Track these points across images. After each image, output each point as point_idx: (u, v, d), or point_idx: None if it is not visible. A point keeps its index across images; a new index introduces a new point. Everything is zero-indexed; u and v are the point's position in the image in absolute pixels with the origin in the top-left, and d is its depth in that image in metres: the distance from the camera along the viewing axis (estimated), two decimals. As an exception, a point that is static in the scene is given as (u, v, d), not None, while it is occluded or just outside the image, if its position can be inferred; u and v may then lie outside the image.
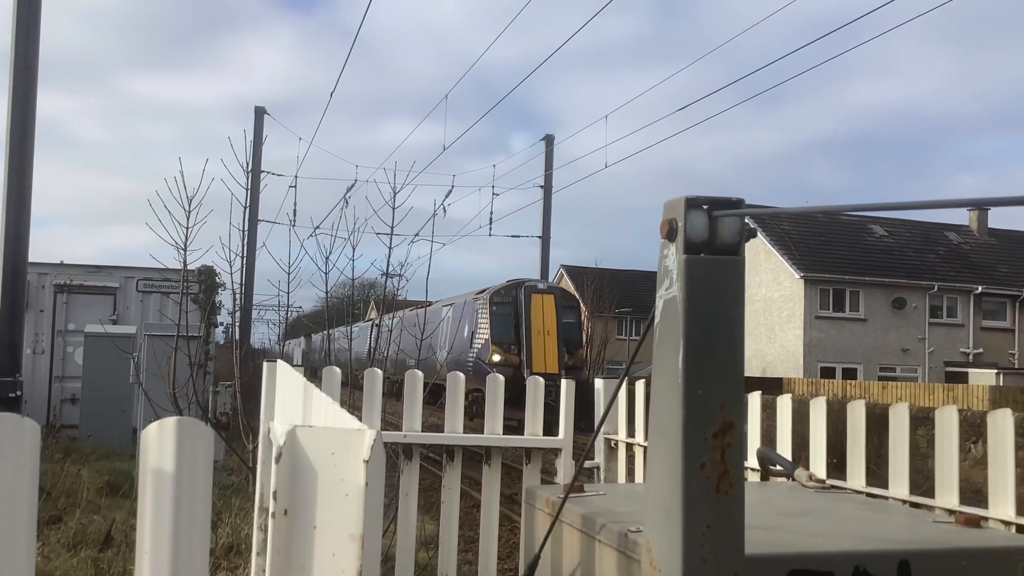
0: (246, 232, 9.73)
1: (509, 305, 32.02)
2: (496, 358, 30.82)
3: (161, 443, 1.75)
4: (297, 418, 3.38)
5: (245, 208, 9.50)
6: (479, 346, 32.34)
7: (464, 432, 5.73)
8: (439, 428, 5.75)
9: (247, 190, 9.51)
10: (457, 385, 5.73)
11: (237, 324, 15.20)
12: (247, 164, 9.46)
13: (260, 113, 33.98)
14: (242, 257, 9.65)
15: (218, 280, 15.85)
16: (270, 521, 1.74)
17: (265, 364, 5.05)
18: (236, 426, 9.64)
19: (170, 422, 1.76)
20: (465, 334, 33.76)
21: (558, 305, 31.45)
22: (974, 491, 4.46)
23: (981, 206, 1.93)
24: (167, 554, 1.74)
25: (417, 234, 11.75)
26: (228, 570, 7.51)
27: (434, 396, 8.41)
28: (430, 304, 38.68)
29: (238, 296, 12.24)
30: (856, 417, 4.30)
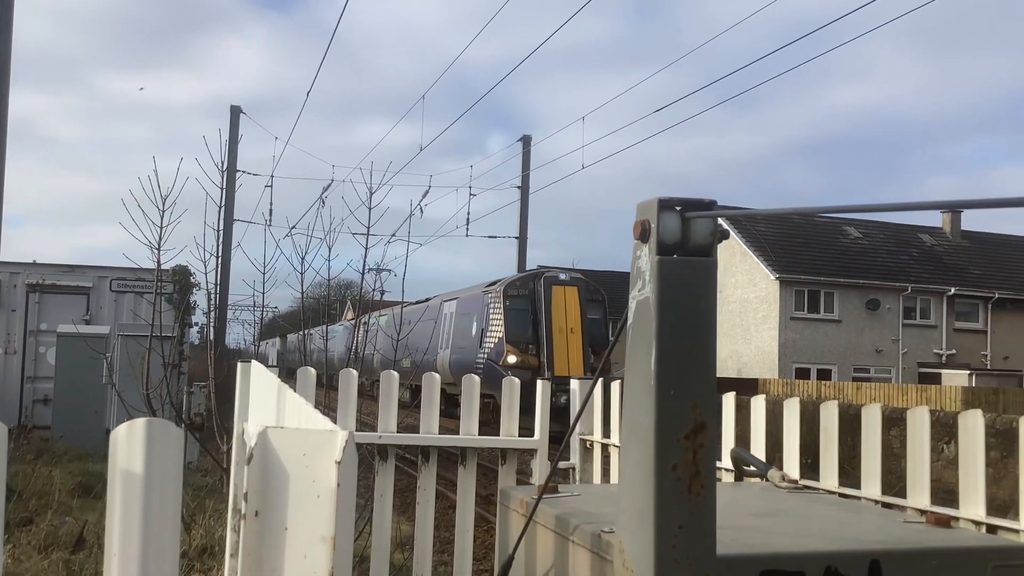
0: (221, 232, 9.66)
1: (526, 298, 27.67)
2: (512, 359, 26.63)
3: (130, 444, 1.74)
4: (271, 419, 3.36)
5: (220, 208, 9.43)
6: (491, 346, 28.18)
7: (439, 433, 5.72)
8: (417, 429, 5.74)
9: (222, 189, 9.44)
10: (432, 385, 5.73)
11: (212, 324, 15.12)
12: (222, 163, 9.40)
13: (236, 112, 33.83)
14: (217, 257, 9.58)
15: (192, 280, 15.76)
16: (241, 523, 1.73)
17: (239, 365, 5.03)
18: (210, 427, 9.58)
19: (139, 423, 1.75)
20: (473, 332, 29.79)
21: (582, 299, 27.23)
22: (947, 491, 4.50)
23: (954, 208, 1.94)
24: (136, 557, 1.73)
25: (394, 234, 11.74)
26: (201, 572, 7.46)
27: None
28: (427, 300, 36.39)
29: (213, 296, 12.14)
30: (829, 418, 4.33)
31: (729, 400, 4.93)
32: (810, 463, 4.44)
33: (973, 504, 3.59)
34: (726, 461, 4.51)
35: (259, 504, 1.71)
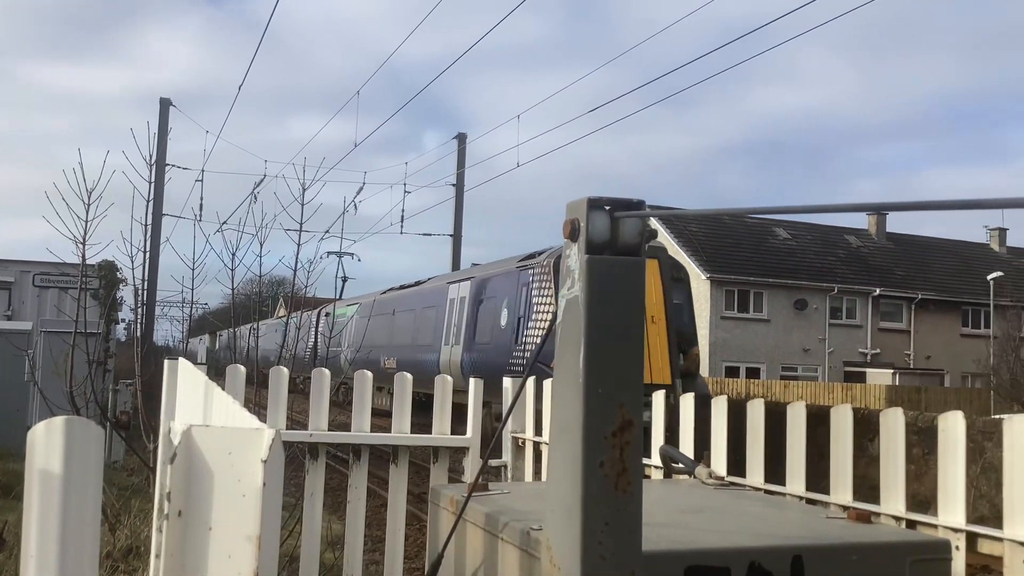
0: (149, 226, 9.49)
1: None
2: None
3: (49, 443, 1.70)
4: (197, 417, 3.31)
5: (148, 202, 9.26)
6: (536, 341, 20.94)
7: (372, 431, 5.69)
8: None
9: (150, 183, 9.27)
10: (364, 383, 5.69)
11: (139, 321, 14.83)
12: (151, 157, 9.23)
13: (165, 105, 33.27)
14: (144, 252, 9.40)
15: (119, 275, 15.44)
16: (165, 523, 1.71)
17: (166, 362, 4.94)
18: (136, 425, 9.41)
19: (58, 421, 1.71)
20: (503, 322, 22.50)
21: (665, 275, 19.12)
22: (872, 487, 4.61)
23: (879, 210, 1.99)
24: (54, 558, 1.69)
25: (327, 231, 11.63)
26: (126, 573, 7.32)
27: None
28: (419, 284, 30.60)
29: (140, 292, 11.90)
30: (755, 415, 4.40)
31: (659, 398, 4.98)
32: (740, 460, 4.51)
33: (894, 500, 3.68)
34: (656, 459, 4.56)
35: (183, 504, 1.69)
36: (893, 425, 3.74)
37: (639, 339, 2.12)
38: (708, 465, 3.95)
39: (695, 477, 3.74)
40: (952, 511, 3.46)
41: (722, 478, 3.83)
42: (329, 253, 10.16)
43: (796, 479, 4.13)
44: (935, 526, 3.50)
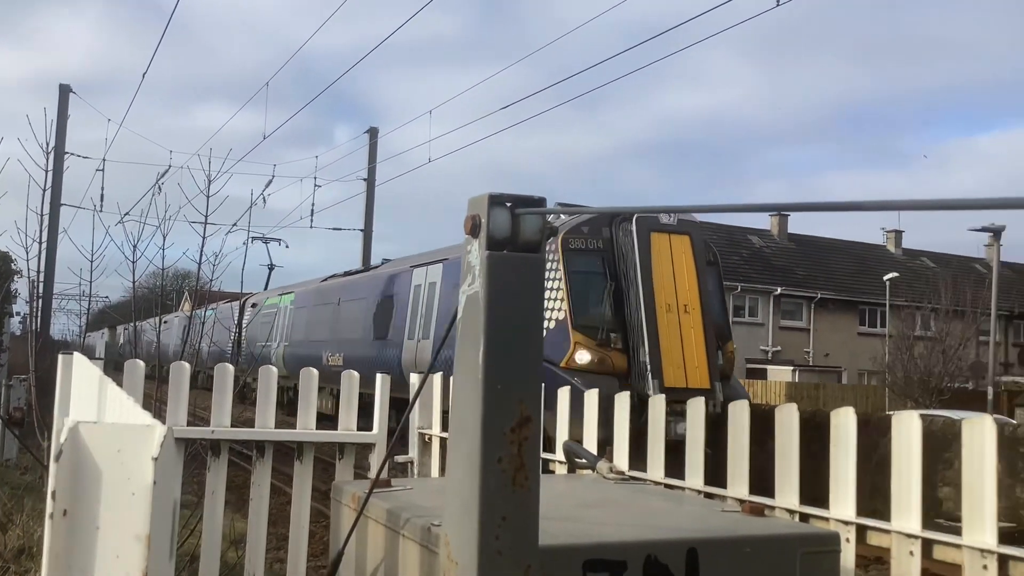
0: (46, 216, 9.18)
1: (599, 255, 16.19)
2: (583, 357, 15.76)
3: (-74, 441, 1.64)
4: (92, 414, 3.23)
5: (45, 191, 8.96)
6: (547, 328, 17.33)
7: (276, 427, 5.61)
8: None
9: (47, 172, 8.97)
10: (269, 379, 5.61)
11: (35, 314, 14.35)
12: (48, 144, 8.93)
13: (65, 91, 32.34)
14: (40, 243, 9.09)
15: (14, 267, 14.91)
16: (48, 523, 1.67)
17: (60, 357, 4.80)
18: (31, 422, 9.12)
19: (-64, 418, 1.65)
20: None
21: (698, 256, 16.27)
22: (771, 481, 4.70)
23: (782, 211, 2.03)
24: (-70, 559, 1.63)
25: (235, 224, 11.41)
26: (18, 574, 7.09)
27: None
28: (368, 269, 27.32)
29: (36, 284, 11.52)
30: (656, 411, 4.48)
31: (564, 394, 5.03)
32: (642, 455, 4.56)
33: (788, 494, 3.78)
34: (561, 454, 4.60)
35: (68, 503, 1.65)
36: (787, 422, 3.84)
37: (538, 335, 2.14)
38: (610, 460, 4.01)
39: (597, 472, 3.79)
40: (843, 504, 3.57)
41: (623, 472, 3.88)
42: (255, 239, 9.90)
43: (695, 473, 4.22)
44: (827, 519, 3.61)
